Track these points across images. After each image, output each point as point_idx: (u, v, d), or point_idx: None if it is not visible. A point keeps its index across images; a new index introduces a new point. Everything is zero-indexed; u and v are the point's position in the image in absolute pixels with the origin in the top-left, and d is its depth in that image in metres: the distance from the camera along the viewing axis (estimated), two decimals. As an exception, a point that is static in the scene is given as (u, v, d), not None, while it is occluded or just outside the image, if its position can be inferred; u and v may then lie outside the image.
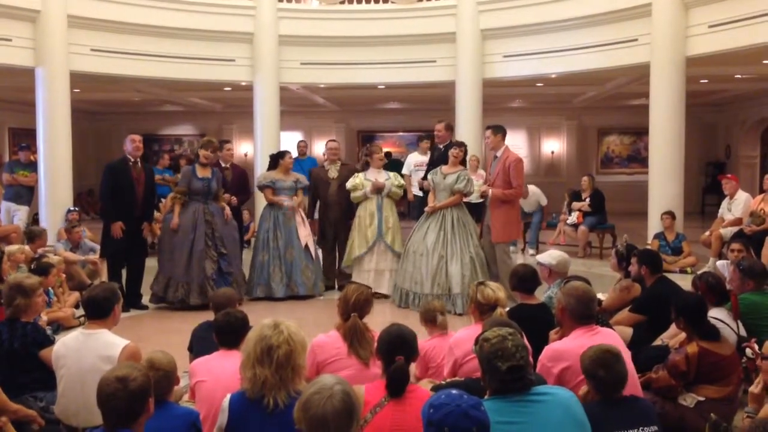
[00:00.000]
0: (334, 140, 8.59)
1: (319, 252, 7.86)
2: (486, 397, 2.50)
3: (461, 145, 7.20)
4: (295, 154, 10.73)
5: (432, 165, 7.54)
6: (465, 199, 7.17)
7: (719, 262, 6.62)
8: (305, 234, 7.49)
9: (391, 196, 7.48)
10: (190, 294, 6.79)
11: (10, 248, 6.35)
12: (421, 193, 8.12)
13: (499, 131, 7.01)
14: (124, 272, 7.04)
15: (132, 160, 6.94)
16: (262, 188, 7.66)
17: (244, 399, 2.62)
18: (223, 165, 7.79)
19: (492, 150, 7.07)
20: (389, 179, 7.49)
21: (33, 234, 7.28)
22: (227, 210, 7.14)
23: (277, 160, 7.71)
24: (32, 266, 5.91)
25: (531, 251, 9.99)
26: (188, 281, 6.83)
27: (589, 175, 10.85)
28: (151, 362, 2.93)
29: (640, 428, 2.74)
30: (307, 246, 7.47)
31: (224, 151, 7.85)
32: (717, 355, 3.64)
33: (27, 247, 6.64)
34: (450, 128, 8.12)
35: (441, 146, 7.81)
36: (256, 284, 7.40)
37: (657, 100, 9.32)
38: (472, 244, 6.82)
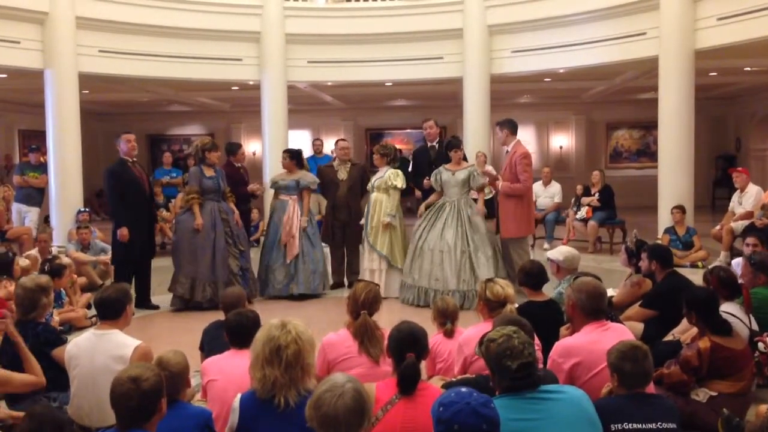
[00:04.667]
0: (344, 139, 8.50)
1: (326, 250, 7.84)
2: (496, 395, 2.50)
3: (459, 144, 7.25)
4: (311, 152, 11.02)
5: (432, 165, 7.47)
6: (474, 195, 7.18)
7: (734, 260, 6.55)
8: (296, 225, 7.29)
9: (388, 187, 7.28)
10: (218, 293, 6.63)
11: (23, 263, 6.44)
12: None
13: (505, 126, 6.99)
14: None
15: (130, 160, 6.83)
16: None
17: (255, 399, 2.62)
18: (237, 165, 7.99)
19: (503, 145, 7.13)
20: (382, 177, 7.26)
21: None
22: (237, 213, 7.18)
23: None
24: (45, 268, 5.95)
25: (546, 245, 9.92)
26: (214, 280, 6.79)
27: (600, 170, 10.78)
28: (162, 361, 2.94)
29: (658, 423, 2.73)
30: (305, 246, 7.34)
31: (238, 154, 8.11)
32: (729, 350, 3.62)
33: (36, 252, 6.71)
34: (437, 124, 8.19)
35: (434, 144, 7.89)
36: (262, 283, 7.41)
37: (666, 93, 9.26)
38: (489, 239, 6.88)
